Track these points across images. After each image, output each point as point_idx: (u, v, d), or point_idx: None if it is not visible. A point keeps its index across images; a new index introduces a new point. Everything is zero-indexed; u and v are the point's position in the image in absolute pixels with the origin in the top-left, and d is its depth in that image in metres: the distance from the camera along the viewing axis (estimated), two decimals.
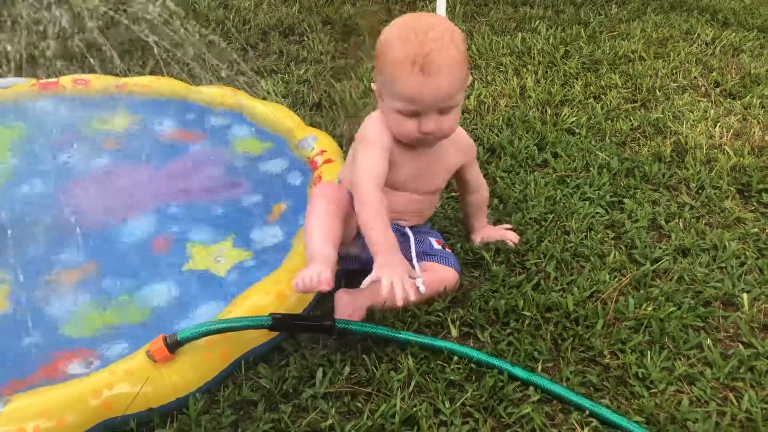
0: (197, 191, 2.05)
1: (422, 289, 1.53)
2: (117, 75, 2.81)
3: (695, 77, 2.91)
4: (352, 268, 1.66)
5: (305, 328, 1.49)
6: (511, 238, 1.84)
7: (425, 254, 1.64)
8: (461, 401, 1.37)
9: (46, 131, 2.33)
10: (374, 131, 1.57)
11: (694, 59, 3.09)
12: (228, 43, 3.30)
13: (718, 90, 2.82)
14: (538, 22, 3.51)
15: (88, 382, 1.30)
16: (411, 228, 1.70)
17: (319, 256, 1.46)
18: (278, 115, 2.42)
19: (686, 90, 2.80)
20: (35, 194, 1.99)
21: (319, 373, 1.42)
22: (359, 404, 1.38)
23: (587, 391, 1.42)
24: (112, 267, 1.72)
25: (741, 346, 1.53)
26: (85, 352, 1.47)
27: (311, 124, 2.45)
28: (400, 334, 1.49)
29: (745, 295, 1.66)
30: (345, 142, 2.35)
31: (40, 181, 2.04)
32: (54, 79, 2.65)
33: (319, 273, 1.40)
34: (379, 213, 1.48)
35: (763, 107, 2.65)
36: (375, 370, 1.45)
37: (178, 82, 2.66)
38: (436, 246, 1.70)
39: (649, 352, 1.49)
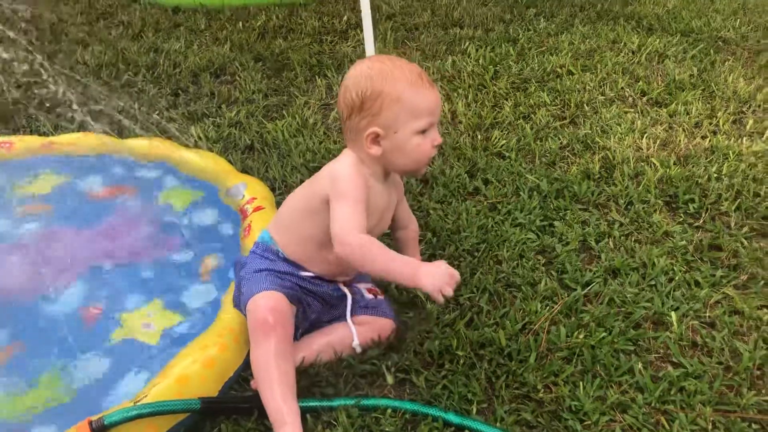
0: (126, 253, 2.00)
1: (358, 349, 1.60)
2: (43, 134, 2.76)
3: (622, 88, 2.96)
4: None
5: (236, 411, 1.46)
6: None
7: (359, 308, 1.64)
8: None
9: None
10: (351, 184, 1.52)
11: (621, 69, 3.15)
12: (159, 89, 3.27)
13: (644, 99, 2.88)
14: (468, 43, 3.54)
15: None
16: (346, 283, 1.69)
17: (287, 417, 1.38)
18: (207, 162, 2.40)
19: (614, 102, 2.85)
20: None
21: None
22: None
23: (522, 430, 1.42)
24: (38, 344, 1.67)
25: (671, 367, 1.55)
26: None
27: (243, 169, 2.44)
28: (329, 402, 1.48)
29: (673, 314, 1.68)
30: (278, 185, 2.34)
31: None
32: None
33: None
34: (379, 253, 1.44)
35: (687, 114, 2.70)
36: (313, 429, 1.43)
37: (106, 137, 2.62)
38: (368, 296, 1.69)
39: (581, 383, 1.50)
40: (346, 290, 1.65)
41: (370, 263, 1.45)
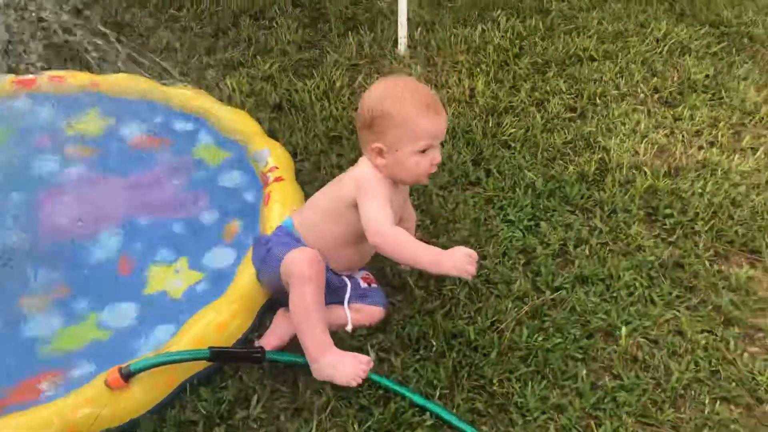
0: (159, 206, 2.28)
1: (350, 330, 1.85)
2: (88, 69, 2.98)
3: (637, 82, 3.09)
4: None
5: (239, 359, 1.76)
6: None
7: (355, 296, 1.90)
8: (368, 425, 1.66)
9: (23, 136, 2.54)
10: (377, 183, 1.79)
11: (641, 60, 3.25)
12: (200, 28, 3.44)
13: (656, 97, 3.01)
14: (500, 11, 3.63)
15: (55, 408, 1.58)
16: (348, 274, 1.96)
17: (327, 345, 1.72)
18: (239, 122, 2.62)
19: (625, 98, 2.99)
20: (12, 208, 2.22)
21: (254, 400, 1.71)
22: (287, 424, 1.66)
23: (472, 417, 1.71)
24: (80, 289, 1.97)
25: (610, 378, 1.82)
26: (55, 373, 1.74)
27: (270, 130, 2.66)
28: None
29: (624, 328, 1.93)
30: (299, 151, 2.57)
31: (17, 196, 2.27)
32: (31, 77, 2.83)
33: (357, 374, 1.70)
34: (409, 243, 1.76)
35: (692, 119, 2.85)
36: (303, 394, 1.73)
37: (148, 82, 2.84)
38: (363, 285, 1.95)
39: (531, 382, 1.78)
40: (347, 280, 1.91)
41: (400, 253, 1.77)
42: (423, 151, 1.77)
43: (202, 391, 1.72)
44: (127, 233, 2.17)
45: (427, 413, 1.69)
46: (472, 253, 1.72)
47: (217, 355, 1.72)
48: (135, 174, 2.41)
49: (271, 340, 1.83)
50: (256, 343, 1.84)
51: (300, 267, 1.73)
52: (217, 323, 1.80)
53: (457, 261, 1.70)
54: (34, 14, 3.08)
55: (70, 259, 2.07)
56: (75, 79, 2.84)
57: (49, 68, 2.98)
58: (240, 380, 1.76)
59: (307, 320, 1.72)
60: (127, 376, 1.63)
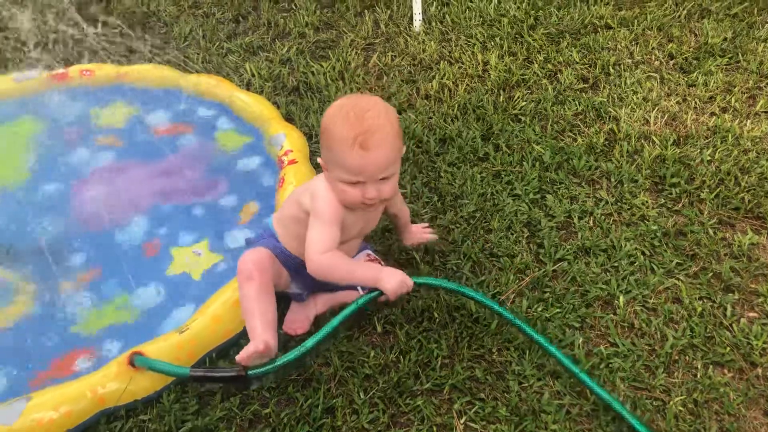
0: (182, 191, 2.42)
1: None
2: (117, 62, 3.13)
3: (653, 48, 3.08)
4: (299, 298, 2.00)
5: (219, 381, 1.79)
6: (428, 238, 2.15)
7: None
8: (372, 392, 1.78)
9: (57, 128, 2.70)
10: (326, 205, 1.77)
11: (658, 26, 3.24)
12: (222, 14, 3.55)
13: (671, 63, 3.01)
14: None
15: (87, 382, 1.74)
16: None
17: (260, 329, 1.73)
18: (258, 107, 2.73)
19: (639, 65, 2.99)
20: (48, 197, 2.39)
21: None
22: (297, 394, 1.79)
23: (471, 384, 1.81)
24: (111, 271, 2.13)
25: (606, 345, 1.89)
26: (89, 350, 1.91)
27: (287, 113, 2.77)
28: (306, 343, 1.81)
29: (622, 297, 2.00)
30: (315, 133, 2.67)
31: (52, 185, 2.43)
32: (63, 70, 2.99)
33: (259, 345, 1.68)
34: (341, 264, 1.77)
35: (706, 85, 2.84)
36: (311, 366, 1.85)
37: (172, 72, 2.97)
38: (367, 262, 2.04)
39: (528, 351, 1.87)
40: None
41: (334, 276, 1.78)
42: (354, 183, 1.72)
43: (220, 364, 1.86)
44: (153, 218, 2.31)
45: (426, 382, 1.80)
46: (409, 283, 1.78)
47: (196, 379, 1.76)
48: (161, 161, 2.55)
49: (299, 325, 1.93)
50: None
51: (245, 267, 1.80)
52: (233, 301, 1.93)
53: (394, 282, 1.76)
54: (61, 12, 3.25)
55: (101, 243, 2.22)
56: (103, 71, 2.98)
57: (80, 62, 3.15)
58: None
59: (250, 313, 1.77)
60: (132, 364, 1.77)
